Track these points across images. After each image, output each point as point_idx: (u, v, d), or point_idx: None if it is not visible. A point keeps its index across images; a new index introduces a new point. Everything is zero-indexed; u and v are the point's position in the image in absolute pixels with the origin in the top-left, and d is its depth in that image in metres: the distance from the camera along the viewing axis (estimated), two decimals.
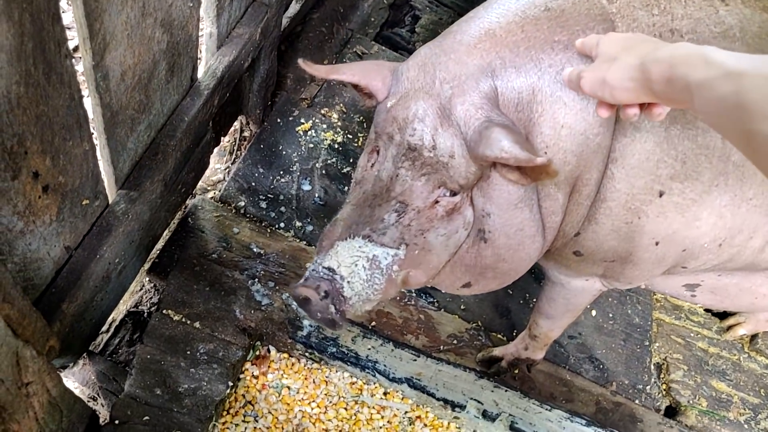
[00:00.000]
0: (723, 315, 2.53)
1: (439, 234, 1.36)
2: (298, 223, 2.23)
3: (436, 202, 1.33)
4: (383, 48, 2.83)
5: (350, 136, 2.48)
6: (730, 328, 2.49)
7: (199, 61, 1.73)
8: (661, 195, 1.39)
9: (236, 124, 2.37)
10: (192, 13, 1.53)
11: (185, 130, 1.72)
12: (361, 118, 2.54)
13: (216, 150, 2.20)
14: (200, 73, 1.78)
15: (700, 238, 1.50)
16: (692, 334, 2.46)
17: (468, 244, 1.41)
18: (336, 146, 2.43)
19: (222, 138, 2.28)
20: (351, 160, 2.42)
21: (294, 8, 2.53)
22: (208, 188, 2.23)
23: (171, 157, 1.69)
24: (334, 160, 2.40)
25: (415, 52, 1.40)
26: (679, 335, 2.44)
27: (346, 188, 2.35)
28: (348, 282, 1.30)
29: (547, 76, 1.27)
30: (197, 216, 2.08)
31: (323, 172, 2.37)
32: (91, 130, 1.30)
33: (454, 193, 1.32)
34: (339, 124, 2.50)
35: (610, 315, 2.39)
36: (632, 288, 2.43)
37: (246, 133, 2.39)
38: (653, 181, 1.38)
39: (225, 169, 2.31)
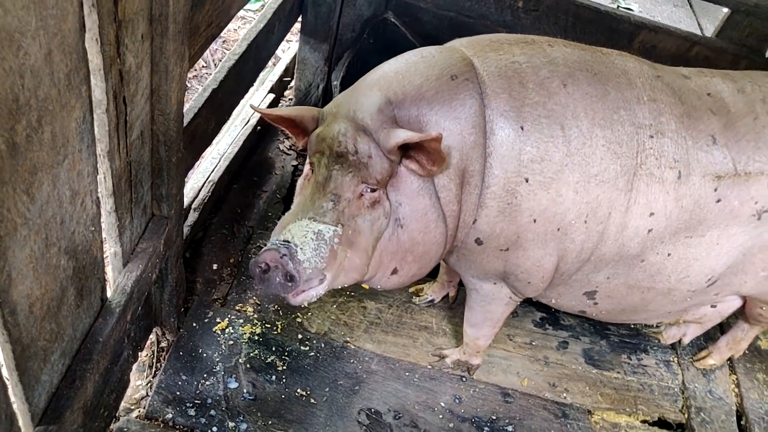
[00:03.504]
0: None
1: (366, 219, 1.76)
2: (231, 424, 2.16)
3: (361, 195, 1.75)
4: None
5: (269, 326, 2.50)
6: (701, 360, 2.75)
7: (107, 280, 1.76)
8: (527, 179, 1.81)
9: (152, 337, 2.35)
10: (95, 236, 1.59)
11: (101, 351, 1.70)
12: (276, 306, 2.58)
13: (135, 366, 2.15)
14: (110, 293, 1.81)
15: (566, 214, 1.87)
16: None
17: (389, 233, 1.80)
18: (256, 338, 2.45)
19: (140, 353, 2.24)
20: (274, 348, 2.42)
21: (193, 217, 2.65)
22: (132, 407, 2.14)
23: (89, 382, 1.65)
24: (256, 352, 2.40)
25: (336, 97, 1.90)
26: None
27: (274, 377, 2.33)
28: (300, 248, 1.63)
29: (425, 100, 1.77)
30: None
31: (248, 366, 2.35)
32: (1, 370, 1.28)
33: (373, 190, 1.75)
34: (255, 316, 2.53)
35: None
36: (569, 412, 2.47)
37: (163, 344, 2.37)
38: (519, 165, 1.81)
39: (147, 384, 2.25)
